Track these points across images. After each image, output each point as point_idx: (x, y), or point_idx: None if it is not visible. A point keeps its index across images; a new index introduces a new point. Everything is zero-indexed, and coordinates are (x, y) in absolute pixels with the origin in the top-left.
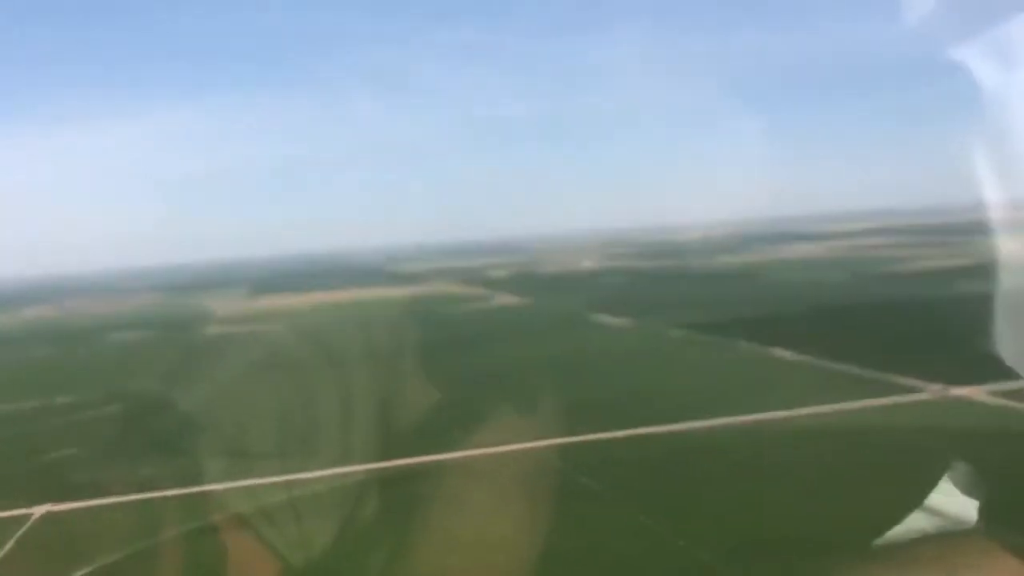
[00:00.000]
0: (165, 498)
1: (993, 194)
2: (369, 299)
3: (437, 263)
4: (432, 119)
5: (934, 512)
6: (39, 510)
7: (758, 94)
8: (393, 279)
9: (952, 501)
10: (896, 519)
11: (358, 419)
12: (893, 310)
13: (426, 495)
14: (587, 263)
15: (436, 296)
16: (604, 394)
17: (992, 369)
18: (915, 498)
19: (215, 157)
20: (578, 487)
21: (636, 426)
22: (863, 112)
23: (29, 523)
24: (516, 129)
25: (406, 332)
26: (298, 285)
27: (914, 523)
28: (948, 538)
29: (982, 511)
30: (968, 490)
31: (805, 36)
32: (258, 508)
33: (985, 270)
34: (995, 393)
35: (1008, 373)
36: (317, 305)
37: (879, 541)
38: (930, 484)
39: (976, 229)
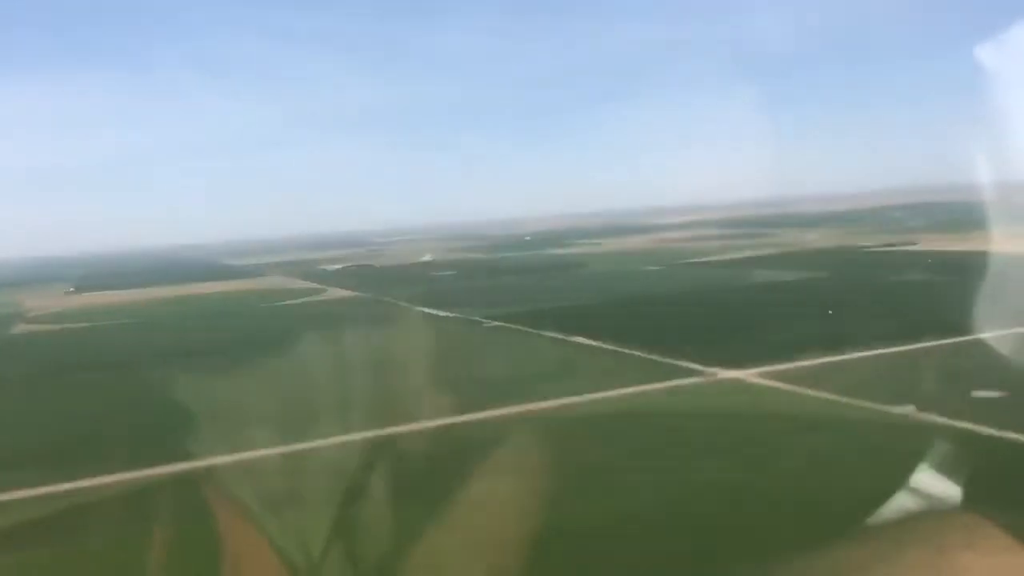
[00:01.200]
0: None
1: (800, 188)
2: (196, 295)
3: (275, 257)
4: (277, 109)
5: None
6: None
7: (601, 85)
8: (227, 274)
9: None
10: (637, 507)
11: (104, 427)
12: (692, 298)
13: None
14: (426, 257)
15: (267, 291)
16: (391, 387)
17: (767, 351)
18: (662, 482)
19: (37, 149)
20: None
21: (409, 422)
22: (695, 109)
23: None
24: (364, 118)
25: (217, 329)
26: (125, 281)
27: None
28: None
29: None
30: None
31: (645, 27)
32: None
33: (784, 260)
34: (765, 375)
35: (781, 355)
36: (138, 301)
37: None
38: (671, 466)
39: (784, 222)
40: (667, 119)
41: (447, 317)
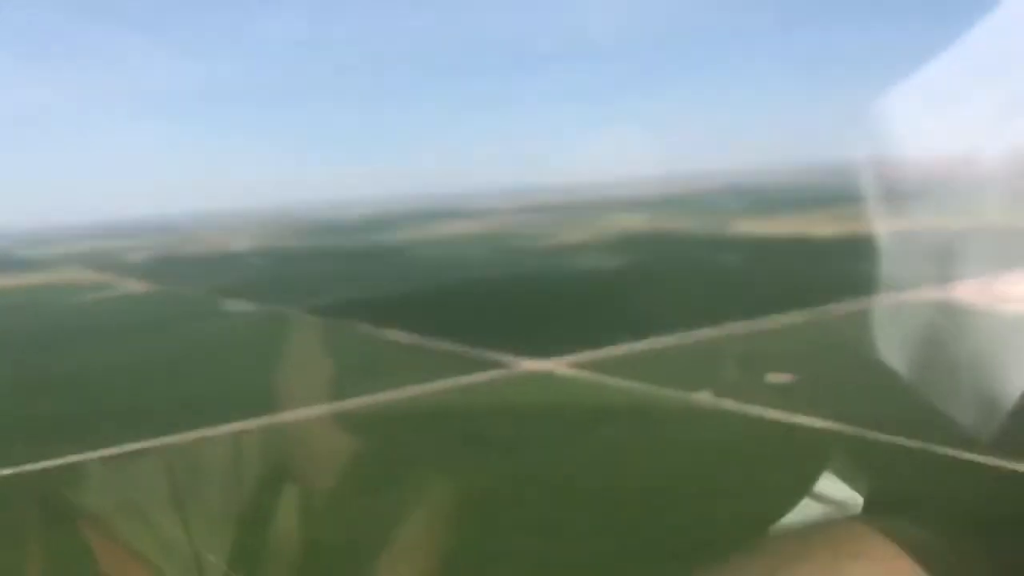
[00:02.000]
0: None
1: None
2: None
3: (72, 246)
4: (76, 87)
5: None
6: None
7: (426, 66)
8: (14, 266)
9: None
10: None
11: None
12: (510, 286)
13: None
14: (240, 243)
15: (55, 285)
16: (173, 395)
17: (577, 340)
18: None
19: None
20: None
21: (187, 430)
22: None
23: None
24: (174, 98)
25: None
26: None
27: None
28: None
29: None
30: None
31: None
32: None
33: (605, 245)
34: (572, 364)
35: (590, 343)
36: None
37: None
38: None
39: (612, 206)
40: (497, 102)
41: (249, 312)
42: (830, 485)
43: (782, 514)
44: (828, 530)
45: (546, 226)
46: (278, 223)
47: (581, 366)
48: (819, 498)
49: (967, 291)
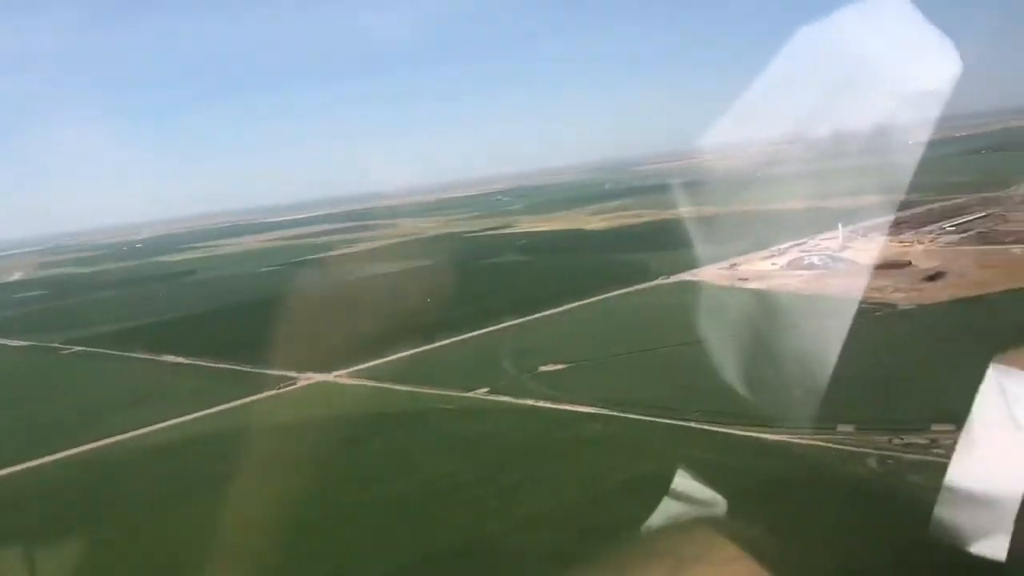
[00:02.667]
0: None
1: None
2: None
3: None
4: None
5: None
6: None
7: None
8: None
9: None
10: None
11: None
12: (296, 301)
13: None
14: (17, 274)
15: None
16: None
17: (359, 350)
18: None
19: None
20: None
21: None
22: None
23: None
24: None
25: None
26: None
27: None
28: None
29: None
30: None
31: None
32: None
33: (393, 250)
34: (355, 374)
35: (371, 352)
36: None
37: None
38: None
39: (401, 212)
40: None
41: (19, 347)
42: (672, 493)
43: (558, 506)
44: (670, 536)
45: (340, 235)
46: (58, 250)
47: (366, 375)
48: (663, 504)
49: (721, 272)
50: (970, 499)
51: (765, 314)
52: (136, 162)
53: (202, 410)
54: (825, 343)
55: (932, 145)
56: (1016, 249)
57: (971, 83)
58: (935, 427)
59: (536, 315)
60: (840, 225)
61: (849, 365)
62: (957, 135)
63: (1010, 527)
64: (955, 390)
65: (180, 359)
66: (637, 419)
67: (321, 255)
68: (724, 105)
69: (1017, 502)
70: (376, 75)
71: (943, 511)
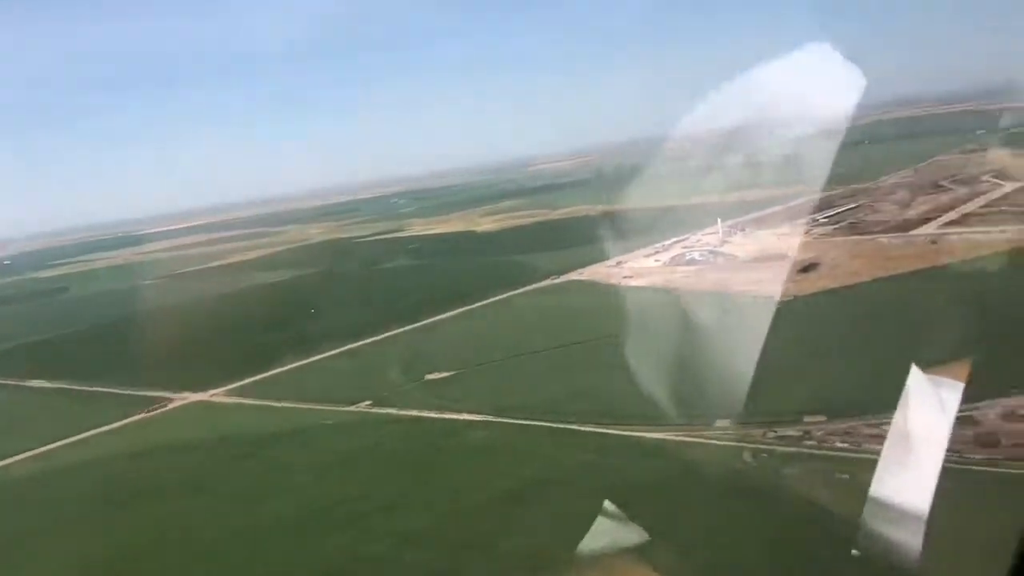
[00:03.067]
0: None
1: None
2: None
3: None
4: None
5: None
6: None
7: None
8: None
9: None
10: None
11: None
12: (173, 316)
13: None
14: None
15: None
16: None
17: (238, 367)
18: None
19: None
20: None
21: None
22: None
23: None
24: None
25: None
26: None
27: None
28: None
29: None
30: None
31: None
32: None
33: (280, 259)
34: (232, 392)
35: (250, 368)
36: None
37: None
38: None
39: (290, 218)
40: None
41: None
42: (597, 527)
43: (438, 521)
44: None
45: (226, 244)
46: None
47: (243, 393)
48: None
49: (609, 270)
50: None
51: (648, 312)
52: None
53: (66, 438)
54: (704, 339)
55: (808, 140)
56: (884, 238)
57: (845, 80)
58: (807, 419)
59: (424, 322)
60: (719, 220)
61: (728, 359)
62: (833, 128)
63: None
64: (828, 381)
65: (45, 383)
66: (521, 424)
67: (203, 266)
68: (611, 104)
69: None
70: (262, 77)
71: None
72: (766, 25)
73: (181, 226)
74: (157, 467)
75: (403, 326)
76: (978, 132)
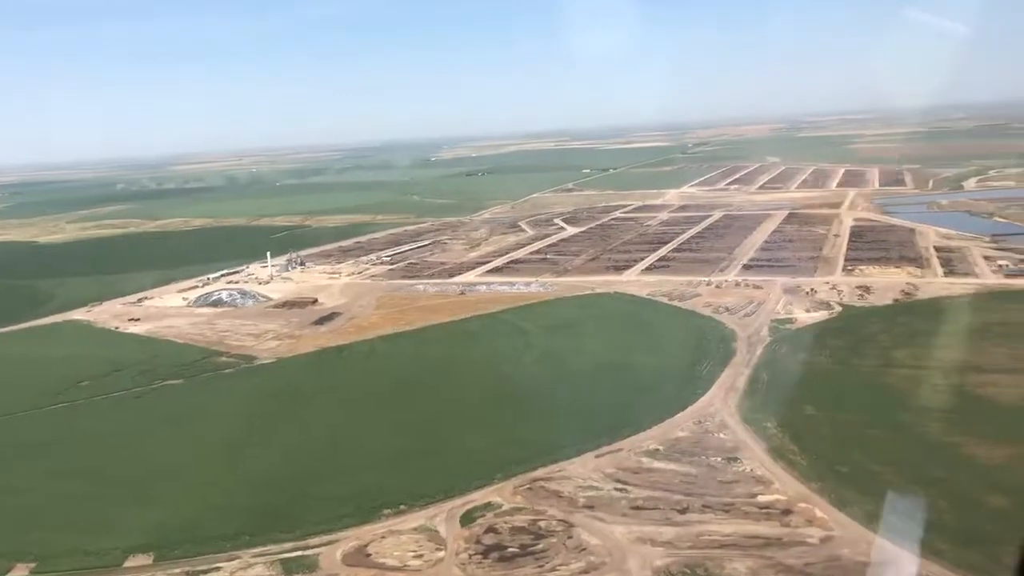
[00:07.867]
0: None
1: None
2: None
3: None
4: None
5: None
6: None
7: None
8: None
9: None
10: None
11: None
12: None
13: None
14: None
15: None
16: None
17: None
18: None
19: None
20: None
21: None
22: None
23: None
24: None
25: None
26: None
27: None
28: None
29: None
30: None
31: None
32: None
33: None
34: None
35: None
36: None
37: None
38: None
39: None
40: None
41: None
42: None
43: None
44: None
45: None
46: None
47: None
48: None
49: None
50: None
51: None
52: None
53: None
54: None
55: (434, 166)
56: (421, 285)
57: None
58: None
59: None
60: (269, 253)
61: None
62: (471, 155)
63: None
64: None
65: None
66: None
67: None
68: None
69: None
70: None
71: None
72: None
73: None
74: None
75: None
76: (584, 171)
